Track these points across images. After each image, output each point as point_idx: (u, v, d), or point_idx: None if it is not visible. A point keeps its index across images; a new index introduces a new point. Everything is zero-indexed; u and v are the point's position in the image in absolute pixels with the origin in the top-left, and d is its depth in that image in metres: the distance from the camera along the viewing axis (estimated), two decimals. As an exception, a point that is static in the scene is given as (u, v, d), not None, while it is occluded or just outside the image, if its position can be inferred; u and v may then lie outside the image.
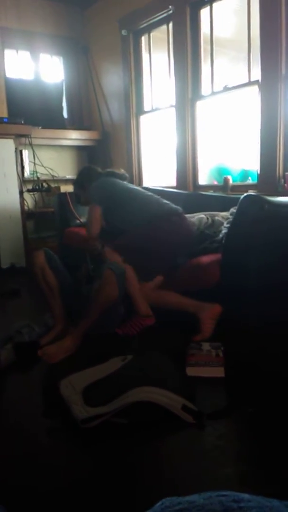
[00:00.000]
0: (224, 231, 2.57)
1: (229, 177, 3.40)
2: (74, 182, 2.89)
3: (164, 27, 3.94)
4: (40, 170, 4.39)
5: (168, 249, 2.34)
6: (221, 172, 3.70)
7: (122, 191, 2.56)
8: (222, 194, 3.27)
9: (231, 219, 2.54)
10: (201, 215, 2.74)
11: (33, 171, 4.33)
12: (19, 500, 1.12)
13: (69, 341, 2.00)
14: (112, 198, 2.50)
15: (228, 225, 2.58)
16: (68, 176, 4.70)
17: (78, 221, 3.64)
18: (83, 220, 3.66)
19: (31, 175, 4.32)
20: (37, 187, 4.34)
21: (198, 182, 3.82)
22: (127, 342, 2.14)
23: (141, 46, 4.28)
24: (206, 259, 2.37)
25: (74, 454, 1.32)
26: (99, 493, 1.12)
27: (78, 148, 4.90)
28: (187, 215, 2.59)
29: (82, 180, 2.74)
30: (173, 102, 3.84)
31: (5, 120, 3.86)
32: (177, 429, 1.39)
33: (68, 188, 4.19)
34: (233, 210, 2.68)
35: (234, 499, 0.37)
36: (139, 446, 1.32)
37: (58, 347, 1.98)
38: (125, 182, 2.68)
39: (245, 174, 3.72)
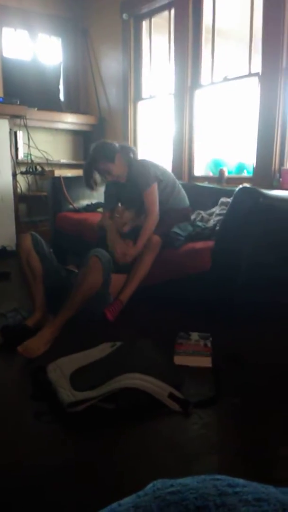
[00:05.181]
0: (216, 218, 2.61)
1: (225, 169, 3.40)
2: (97, 158, 2.55)
3: (166, 13, 3.88)
4: (35, 152, 4.34)
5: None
6: (218, 165, 3.69)
7: (167, 172, 2.75)
8: (217, 186, 3.27)
9: (224, 208, 2.58)
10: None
11: (27, 153, 4.28)
12: (2, 482, 1.12)
13: (47, 332, 1.91)
14: (164, 175, 2.66)
15: (220, 212, 2.61)
16: (63, 160, 4.66)
17: (71, 206, 3.62)
18: (76, 205, 3.63)
19: (25, 158, 4.27)
20: (30, 170, 4.29)
21: (193, 173, 3.81)
22: (116, 328, 2.14)
23: (141, 31, 4.22)
24: (200, 244, 2.41)
25: (59, 437, 1.33)
26: (82, 476, 1.13)
27: (74, 133, 4.84)
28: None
29: (110, 152, 2.53)
30: (172, 90, 3.80)
31: (1, 100, 3.79)
32: (163, 417, 1.40)
33: (62, 172, 4.15)
34: (222, 200, 2.73)
35: (229, 483, 0.37)
36: (124, 432, 1.33)
37: (38, 340, 1.87)
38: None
39: (241, 167, 3.71)
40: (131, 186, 2.62)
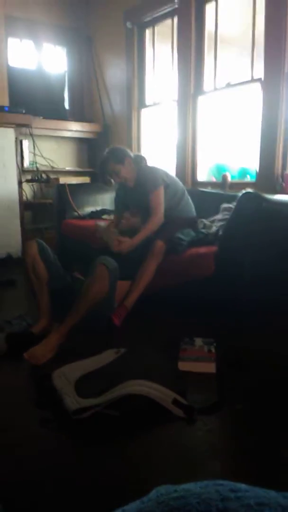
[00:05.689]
0: (218, 223, 2.62)
1: (228, 174, 3.40)
2: (108, 159, 2.69)
3: (169, 21, 3.91)
4: (40, 160, 4.37)
5: None
6: (220, 170, 3.70)
7: (177, 181, 2.85)
8: (220, 191, 3.27)
9: (226, 213, 2.59)
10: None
11: (33, 161, 4.31)
12: (8, 489, 1.13)
13: (53, 339, 1.91)
14: (174, 183, 2.75)
15: (223, 217, 2.62)
16: (68, 168, 4.69)
17: (75, 213, 3.64)
18: (80, 212, 3.66)
19: (31, 166, 4.30)
20: (36, 178, 4.32)
21: (197, 178, 3.82)
22: (120, 335, 2.14)
23: (145, 39, 4.26)
24: (203, 249, 2.42)
25: (64, 444, 1.34)
26: (87, 482, 1.14)
27: (79, 140, 4.88)
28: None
29: (122, 155, 2.68)
30: (175, 97, 3.83)
31: (6, 109, 3.83)
32: (167, 423, 1.40)
33: (67, 180, 4.18)
34: (224, 206, 2.74)
35: (231, 488, 0.37)
36: (128, 438, 1.33)
37: (44, 347, 1.87)
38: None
39: (244, 172, 3.72)
40: (139, 192, 2.69)
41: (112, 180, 2.76)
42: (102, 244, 2.62)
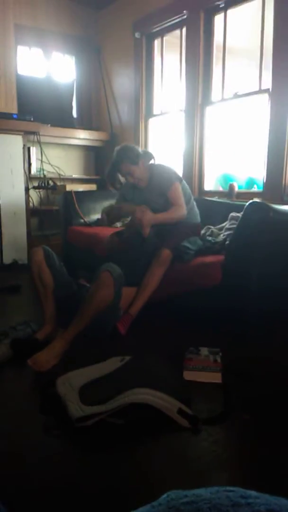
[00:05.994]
0: (226, 232, 2.62)
1: (235, 184, 3.41)
2: (121, 159, 2.61)
3: (177, 31, 3.95)
4: (47, 168, 4.41)
5: None
6: (228, 180, 3.71)
7: (185, 183, 2.80)
8: (227, 201, 3.28)
9: (234, 223, 2.59)
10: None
11: (40, 168, 4.35)
12: (11, 495, 1.11)
13: (57, 346, 1.90)
14: (182, 184, 2.71)
15: (230, 226, 2.62)
16: (75, 175, 4.72)
17: (82, 220, 3.65)
18: (87, 219, 3.67)
19: (38, 173, 4.34)
20: (43, 185, 4.35)
21: (203, 188, 3.83)
22: (125, 343, 2.13)
23: (153, 50, 4.30)
24: (210, 258, 2.42)
25: (68, 452, 1.32)
26: (92, 490, 1.12)
27: (86, 148, 4.91)
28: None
29: (135, 155, 2.61)
30: (183, 107, 3.85)
31: (15, 116, 3.87)
32: (172, 433, 1.38)
33: (74, 187, 4.21)
34: (232, 214, 2.73)
35: (241, 495, 0.37)
36: (133, 447, 1.32)
37: (48, 353, 1.86)
38: None
39: (251, 182, 3.72)
40: (150, 191, 2.66)
41: (123, 180, 2.71)
42: (109, 249, 2.61)
